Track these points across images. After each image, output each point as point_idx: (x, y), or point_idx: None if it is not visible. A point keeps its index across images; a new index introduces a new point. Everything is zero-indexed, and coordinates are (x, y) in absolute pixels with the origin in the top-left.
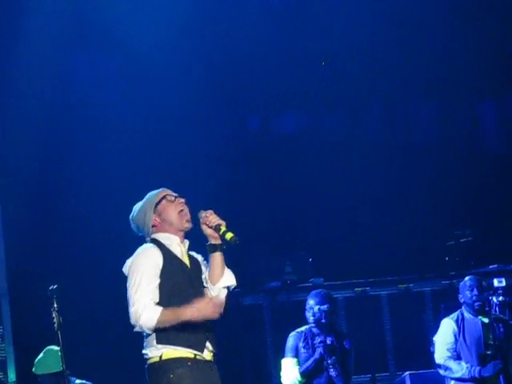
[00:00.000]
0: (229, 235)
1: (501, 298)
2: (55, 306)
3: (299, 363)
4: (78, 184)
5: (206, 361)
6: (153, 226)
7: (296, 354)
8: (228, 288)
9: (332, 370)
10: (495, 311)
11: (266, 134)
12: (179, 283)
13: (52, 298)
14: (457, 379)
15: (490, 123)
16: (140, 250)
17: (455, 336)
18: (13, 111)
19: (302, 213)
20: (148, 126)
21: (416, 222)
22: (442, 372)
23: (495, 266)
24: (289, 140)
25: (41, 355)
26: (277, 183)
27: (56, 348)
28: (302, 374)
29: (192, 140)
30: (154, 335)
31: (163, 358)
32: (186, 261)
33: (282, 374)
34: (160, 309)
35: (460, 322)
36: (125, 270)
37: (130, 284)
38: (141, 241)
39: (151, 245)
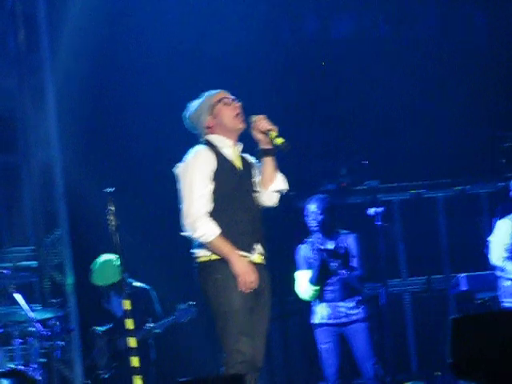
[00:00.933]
0: (279, 140)
1: None
2: (111, 208)
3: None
4: (133, 88)
5: (256, 263)
6: (207, 128)
7: (308, 266)
8: (279, 192)
9: (342, 272)
10: None
11: (325, 37)
12: (231, 187)
13: (108, 201)
14: None
15: None
16: (193, 151)
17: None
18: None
19: (357, 116)
20: (206, 28)
21: (473, 125)
22: (498, 273)
23: None
24: (346, 44)
25: (98, 265)
26: (333, 87)
27: (113, 258)
28: (312, 283)
29: (250, 44)
30: None
31: (212, 258)
32: (239, 164)
33: (297, 287)
34: (216, 233)
35: None
36: (177, 171)
37: (184, 187)
38: (196, 142)
39: (204, 147)
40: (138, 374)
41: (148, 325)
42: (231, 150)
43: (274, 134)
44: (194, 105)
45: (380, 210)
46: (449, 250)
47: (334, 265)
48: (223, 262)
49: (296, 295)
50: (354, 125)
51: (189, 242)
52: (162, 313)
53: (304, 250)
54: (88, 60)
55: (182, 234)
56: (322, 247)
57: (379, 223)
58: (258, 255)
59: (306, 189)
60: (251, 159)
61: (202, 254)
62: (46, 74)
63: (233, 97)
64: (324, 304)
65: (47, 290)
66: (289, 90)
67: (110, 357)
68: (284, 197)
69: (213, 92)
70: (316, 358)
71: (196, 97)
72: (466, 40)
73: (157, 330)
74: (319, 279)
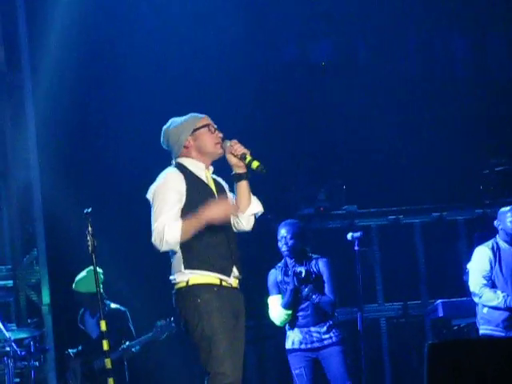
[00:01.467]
0: (255, 164)
1: None
2: (90, 229)
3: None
4: (112, 109)
5: (232, 287)
6: (184, 147)
7: (279, 290)
8: (255, 215)
9: (312, 297)
10: None
11: (301, 63)
12: (201, 204)
13: (87, 220)
14: (491, 307)
15: None
16: (162, 174)
17: (491, 264)
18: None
19: (336, 141)
20: (182, 56)
21: (451, 151)
22: (476, 299)
23: None
24: (323, 70)
25: (83, 273)
26: (312, 111)
27: (98, 270)
28: (285, 308)
29: (227, 70)
30: (181, 260)
31: (190, 283)
32: (212, 186)
33: (270, 312)
34: (180, 221)
35: (496, 251)
36: (148, 196)
37: (153, 210)
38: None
39: (174, 169)
40: None
41: (126, 343)
42: (203, 173)
43: (249, 157)
44: (177, 121)
45: (358, 234)
46: (426, 275)
47: (305, 290)
48: (202, 287)
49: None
50: (332, 150)
51: (167, 263)
52: (135, 335)
53: (274, 275)
54: (68, 80)
55: (162, 250)
56: (293, 272)
57: (357, 248)
58: (233, 279)
59: (284, 212)
60: (222, 182)
61: (180, 280)
62: (26, 94)
63: (215, 126)
64: (296, 329)
65: (23, 309)
66: (267, 114)
67: (84, 379)
68: (262, 220)
69: (199, 115)
70: (291, 381)
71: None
72: (446, 67)
73: (134, 349)
74: (291, 304)
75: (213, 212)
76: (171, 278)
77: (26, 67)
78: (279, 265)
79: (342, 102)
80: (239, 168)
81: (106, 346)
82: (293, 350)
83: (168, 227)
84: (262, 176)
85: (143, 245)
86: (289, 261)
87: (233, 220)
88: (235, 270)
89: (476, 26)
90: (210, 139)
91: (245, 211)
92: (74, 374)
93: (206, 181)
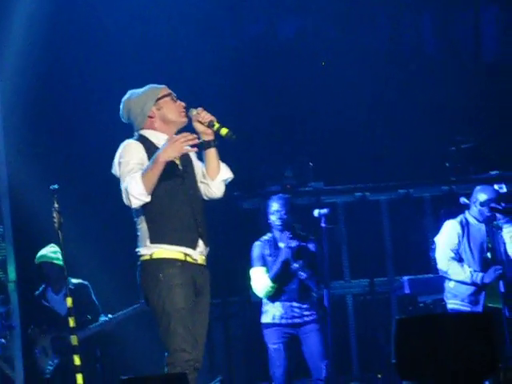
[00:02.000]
0: (224, 130)
1: (502, 204)
2: (56, 205)
3: (268, 271)
4: (80, 85)
5: (197, 264)
6: (149, 117)
7: (264, 263)
8: (225, 181)
9: (301, 273)
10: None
11: (269, 38)
12: (171, 180)
13: (53, 197)
14: (457, 281)
15: (492, 30)
16: (121, 145)
17: (459, 238)
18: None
19: (303, 117)
20: (151, 27)
21: (418, 128)
22: (442, 272)
23: (496, 172)
24: (291, 45)
25: (48, 248)
26: (279, 88)
27: (57, 249)
28: (272, 279)
29: (196, 44)
30: (146, 234)
31: (153, 256)
32: (176, 158)
33: (253, 284)
34: (139, 173)
35: (465, 225)
36: (113, 170)
37: (118, 174)
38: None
39: (133, 140)
40: (80, 373)
41: (108, 315)
42: (163, 141)
43: (217, 124)
44: (137, 92)
45: (324, 211)
46: (392, 252)
47: (295, 265)
48: (165, 262)
49: (237, 296)
50: (298, 126)
51: (133, 240)
52: (99, 307)
53: (260, 247)
54: (34, 56)
55: (133, 206)
56: (287, 244)
57: (323, 225)
58: (199, 256)
59: (251, 190)
60: (189, 153)
61: (144, 253)
62: None
63: (176, 95)
64: (277, 303)
65: None
66: (233, 90)
67: (56, 355)
68: (228, 197)
69: (158, 86)
70: (257, 358)
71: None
72: (413, 44)
73: (116, 321)
74: (278, 276)
75: (167, 150)
76: (136, 250)
77: None
78: (265, 238)
79: (309, 79)
80: (207, 135)
81: (72, 322)
82: (272, 325)
83: (129, 181)
84: (228, 153)
85: (109, 220)
86: (278, 234)
87: (203, 188)
88: (201, 244)
89: (444, 2)
90: (174, 108)
91: (215, 178)
92: (44, 352)
93: None
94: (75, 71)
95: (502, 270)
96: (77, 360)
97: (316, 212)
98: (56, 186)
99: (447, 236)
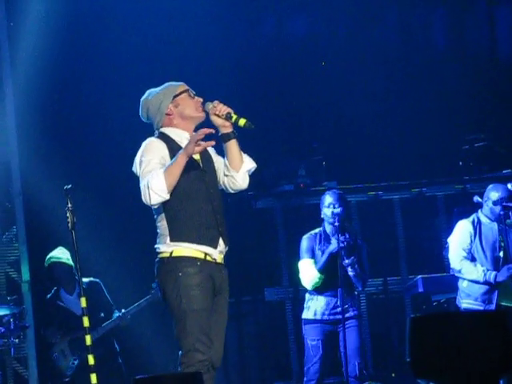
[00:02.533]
0: (242, 121)
1: None
2: (69, 205)
3: (316, 263)
4: (91, 86)
5: (217, 263)
6: (166, 115)
7: (312, 255)
8: (250, 171)
9: (351, 269)
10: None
11: (280, 36)
12: (191, 178)
13: (66, 197)
14: (471, 280)
15: (506, 28)
16: (143, 144)
17: (471, 237)
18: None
19: (316, 116)
20: (161, 29)
21: (431, 127)
22: (455, 272)
23: (509, 171)
24: (303, 43)
25: (59, 250)
26: (290, 87)
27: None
28: (320, 270)
29: (206, 45)
30: (166, 231)
31: (173, 254)
32: (197, 155)
33: (302, 275)
34: (161, 170)
35: (476, 225)
36: (134, 169)
37: (138, 172)
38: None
39: (155, 138)
40: (94, 372)
41: (122, 310)
42: (184, 137)
43: (234, 116)
44: (155, 91)
45: (338, 211)
46: (405, 251)
47: (346, 261)
48: (185, 260)
49: (251, 295)
50: (312, 126)
51: (149, 239)
52: (112, 303)
53: (311, 240)
54: (48, 58)
55: (153, 204)
56: (342, 237)
57: (337, 224)
58: (219, 255)
59: (265, 189)
60: (209, 149)
61: (163, 250)
62: (5, 73)
63: (194, 92)
64: (321, 297)
65: (3, 286)
66: (246, 90)
67: (74, 357)
68: (242, 197)
69: (176, 83)
70: (271, 357)
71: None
72: (425, 41)
73: (130, 315)
74: (326, 267)
75: (187, 148)
76: (156, 246)
77: (5, 46)
78: (315, 231)
79: (321, 78)
80: (225, 128)
81: (86, 322)
82: (313, 321)
83: (151, 177)
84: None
85: (126, 222)
86: (329, 228)
87: (228, 181)
88: (221, 242)
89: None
90: (192, 103)
91: (239, 170)
92: (62, 354)
93: None
94: (88, 73)
95: None
96: (91, 360)
97: (337, 208)
98: (69, 186)
99: (459, 236)
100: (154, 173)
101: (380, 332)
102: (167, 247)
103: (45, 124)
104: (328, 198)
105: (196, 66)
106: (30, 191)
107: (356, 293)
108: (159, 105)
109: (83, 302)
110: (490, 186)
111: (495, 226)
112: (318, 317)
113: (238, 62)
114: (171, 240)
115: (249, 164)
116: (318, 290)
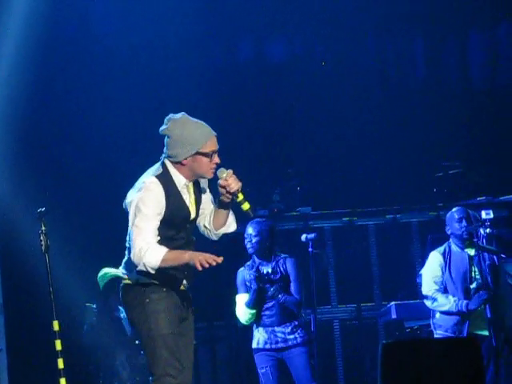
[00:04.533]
0: (245, 206)
1: (488, 230)
2: (43, 228)
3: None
4: (66, 109)
5: (181, 290)
6: (180, 162)
7: (246, 289)
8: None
9: (278, 297)
10: (482, 244)
11: (258, 59)
12: (177, 222)
13: (40, 220)
14: (443, 312)
15: (480, 57)
16: (143, 185)
17: (442, 269)
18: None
19: (291, 142)
20: (138, 54)
21: (405, 154)
22: (428, 304)
23: (483, 198)
24: (280, 69)
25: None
26: (266, 111)
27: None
28: (248, 306)
29: (184, 64)
30: (134, 266)
31: (140, 281)
32: (186, 194)
33: (236, 310)
34: (165, 249)
35: (447, 255)
36: (128, 202)
37: (132, 221)
38: (133, 170)
39: (156, 181)
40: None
41: None
42: (185, 189)
43: (241, 197)
44: (188, 129)
45: (312, 236)
46: (379, 278)
47: (270, 289)
48: (152, 287)
49: (224, 320)
50: (287, 151)
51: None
52: None
53: (242, 274)
54: (23, 79)
55: (138, 269)
56: (259, 271)
57: (311, 250)
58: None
59: (239, 213)
60: (202, 184)
61: (130, 277)
62: None
63: (217, 147)
64: (261, 329)
65: None
66: (221, 114)
67: (131, 370)
68: None
69: (209, 134)
70: (244, 382)
71: (132, 116)
72: (401, 70)
73: None
74: (255, 303)
75: (194, 259)
76: (121, 270)
77: None
78: (248, 263)
79: (297, 103)
80: (226, 198)
81: (59, 345)
82: (258, 350)
83: (150, 251)
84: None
85: (98, 244)
86: (256, 259)
87: (204, 230)
88: (185, 283)
89: (433, 30)
90: (207, 165)
91: (218, 230)
92: (122, 366)
93: (182, 191)
94: (64, 93)
95: (487, 295)
96: (60, 364)
97: (303, 237)
98: (43, 209)
99: (430, 268)
100: (155, 250)
101: (353, 358)
102: (134, 273)
103: (20, 146)
104: (248, 229)
105: (174, 87)
106: (3, 214)
107: (297, 320)
108: (180, 149)
109: (55, 325)
110: (448, 214)
111: (466, 254)
112: (261, 346)
113: (214, 84)
114: (138, 274)
115: (229, 228)
116: (256, 321)
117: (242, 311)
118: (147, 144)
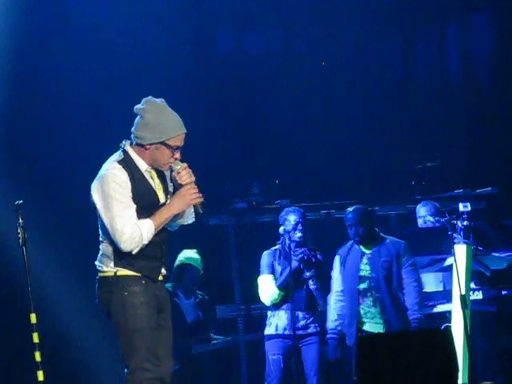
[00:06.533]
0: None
1: (465, 223)
2: (20, 221)
3: (275, 279)
4: (42, 100)
5: (158, 280)
6: (143, 146)
7: (272, 271)
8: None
9: (311, 283)
10: (460, 236)
11: (237, 54)
12: (145, 207)
13: (17, 213)
14: None
15: (456, 56)
16: (106, 172)
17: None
18: None
19: (270, 134)
20: (114, 45)
21: (383, 146)
22: None
23: (461, 190)
24: (259, 61)
25: (190, 251)
26: (246, 105)
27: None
28: (280, 286)
29: (162, 59)
30: (111, 257)
31: (118, 274)
32: (151, 180)
33: (260, 291)
34: (149, 220)
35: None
36: (94, 195)
37: (111, 211)
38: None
39: (119, 166)
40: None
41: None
42: (144, 168)
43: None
44: (159, 118)
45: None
46: None
47: (307, 274)
48: (130, 279)
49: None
50: (265, 144)
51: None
52: None
53: (270, 256)
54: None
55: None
56: (301, 253)
57: (289, 242)
58: (160, 276)
59: (218, 206)
60: (167, 176)
61: (108, 269)
62: None
63: (182, 144)
64: (281, 313)
65: None
66: (200, 106)
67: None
68: (195, 214)
69: (179, 130)
70: (225, 374)
71: (104, 108)
72: (379, 65)
73: None
74: (286, 284)
75: (177, 205)
76: (98, 264)
77: None
78: (274, 248)
79: (276, 95)
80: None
81: (36, 338)
82: (275, 336)
83: (145, 230)
84: (195, 171)
85: (77, 237)
86: (289, 246)
87: None
88: (163, 271)
89: (409, 27)
90: (167, 158)
91: (174, 222)
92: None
93: (146, 176)
94: (39, 88)
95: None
96: (37, 356)
97: (281, 229)
98: (21, 202)
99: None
100: (147, 225)
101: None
102: (112, 265)
103: None
104: (293, 217)
105: (151, 78)
106: None
107: (319, 309)
108: (146, 134)
109: (33, 318)
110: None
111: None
112: (280, 331)
113: (193, 78)
114: (115, 265)
115: (187, 220)
116: (278, 305)
117: (271, 291)
118: (123, 135)
